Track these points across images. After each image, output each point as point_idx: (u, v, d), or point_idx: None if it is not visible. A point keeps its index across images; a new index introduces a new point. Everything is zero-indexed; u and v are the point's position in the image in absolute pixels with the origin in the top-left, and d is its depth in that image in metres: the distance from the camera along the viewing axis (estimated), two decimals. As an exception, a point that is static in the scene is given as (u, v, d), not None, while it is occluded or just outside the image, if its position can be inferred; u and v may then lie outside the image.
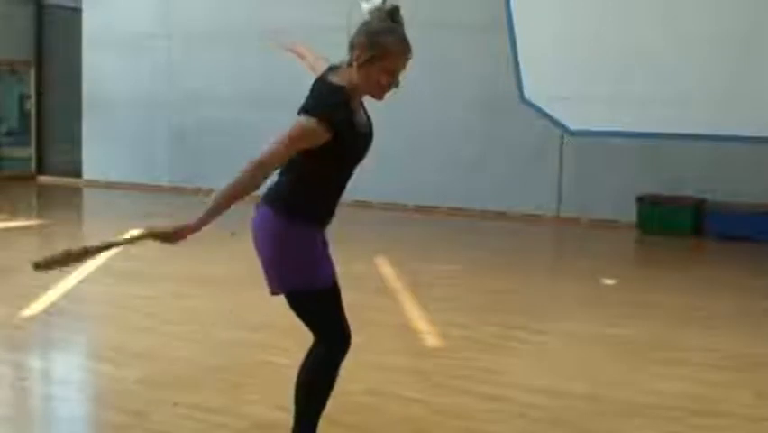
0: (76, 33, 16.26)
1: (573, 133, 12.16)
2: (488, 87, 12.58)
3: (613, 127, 11.87)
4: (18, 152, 17.60)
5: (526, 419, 4.30)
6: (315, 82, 3.31)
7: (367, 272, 7.99)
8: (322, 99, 3.18)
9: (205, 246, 9.56)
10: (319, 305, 3.35)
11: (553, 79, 12.17)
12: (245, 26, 13.97)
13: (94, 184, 16.03)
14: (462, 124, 12.84)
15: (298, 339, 3.54)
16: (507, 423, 4.25)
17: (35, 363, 5.39)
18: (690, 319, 6.67)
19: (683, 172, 11.42)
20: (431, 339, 5.81)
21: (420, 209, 13.08)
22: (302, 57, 3.88)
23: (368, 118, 3.35)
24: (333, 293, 3.39)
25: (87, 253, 3.21)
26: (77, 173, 16.47)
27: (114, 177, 15.84)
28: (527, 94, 12.41)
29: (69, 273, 7.66)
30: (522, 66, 12.41)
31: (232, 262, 8.39)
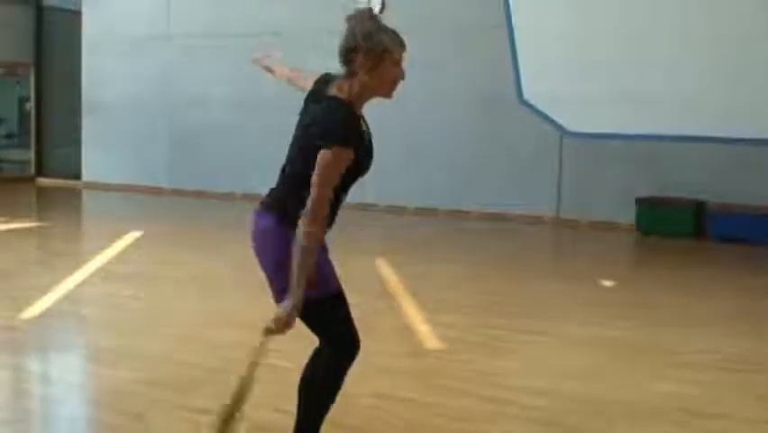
0: (75, 36, 16.27)
1: (572, 135, 12.17)
2: (487, 89, 12.59)
3: (612, 129, 11.88)
4: (17, 155, 17.62)
5: (526, 420, 4.29)
6: (314, 99, 3.26)
7: (367, 275, 7.98)
8: (332, 120, 3.11)
9: (205, 248, 9.58)
10: (326, 311, 3.31)
11: (552, 81, 12.18)
12: (245, 29, 13.97)
13: (93, 186, 16.03)
14: (462, 125, 12.85)
15: (299, 341, 3.53)
16: (507, 425, 4.24)
17: (34, 365, 5.38)
18: (690, 321, 6.66)
19: (683, 174, 11.43)
20: (431, 341, 5.80)
21: (420, 211, 13.08)
22: (276, 74, 3.86)
23: (368, 129, 3.32)
24: (339, 299, 3.35)
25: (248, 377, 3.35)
26: (77, 176, 16.47)
27: (113, 179, 15.85)
28: (526, 95, 12.42)
29: (68, 276, 7.67)
30: (521, 67, 12.42)
31: (231, 264, 8.39)
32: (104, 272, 8.03)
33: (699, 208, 11.19)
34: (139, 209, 13.68)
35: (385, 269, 8.42)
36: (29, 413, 4.40)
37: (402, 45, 3.21)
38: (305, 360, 3.47)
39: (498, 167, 12.64)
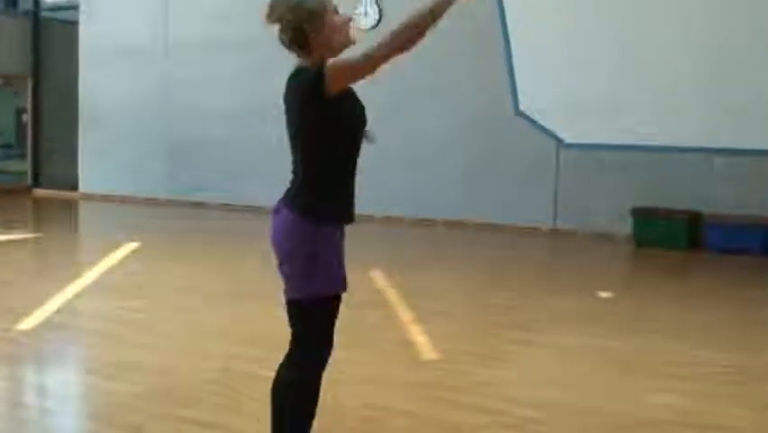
0: (73, 47, 16.29)
1: (569, 146, 12.20)
2: (484, 100, 12.64)
3: (608, 140, 11.91)
4: (14, 166, 17.62)
5: (523, 432, 4.29)
6: (293, 74, 3.25)
7: (364, 286, 7.98)
8: (313, 67, 3.12)
9: (203, 260, 9.58)
10: (320, 311, 3.25)
11: (549, 92, 12.22)
12: (242, 39, 14.00)
13: (90, 197, 16.03)
14: (459, 136, 12.87)
15: (284, 351, 3.52)
16: (504, 437, 4.25)
17: (31, 377, 5.37)
18: (687, 332, 6.67)
19: (678, 185, 11.46)
20: (427, 352, 5.80)
21: (417, 222, 13.10)
22: None
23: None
24: (337, 302, 3.30)
25: None
26: (74, 186, 16.47)
27: (110, 190, 15.86)
28: (523, 107, 12.45)
29: (65, 287, 7.67)
30: (517, 79, 12.46)
31: (230, 276, 8.40)
32: (101, 284, 8.03)
33: (694, 219, 11.22)
34: (136, 220, 13.68)
35: (382, 280, 8.43)
36: (26, 426, 4.39)
37: None
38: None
39: (495, 178, 12.67)
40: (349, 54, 3.08)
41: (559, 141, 12.27)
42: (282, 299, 3.29)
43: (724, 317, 7.30)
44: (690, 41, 11.34)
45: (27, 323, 6.34)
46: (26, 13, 17.66)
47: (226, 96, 14.59)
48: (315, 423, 3.35)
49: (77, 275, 8.38)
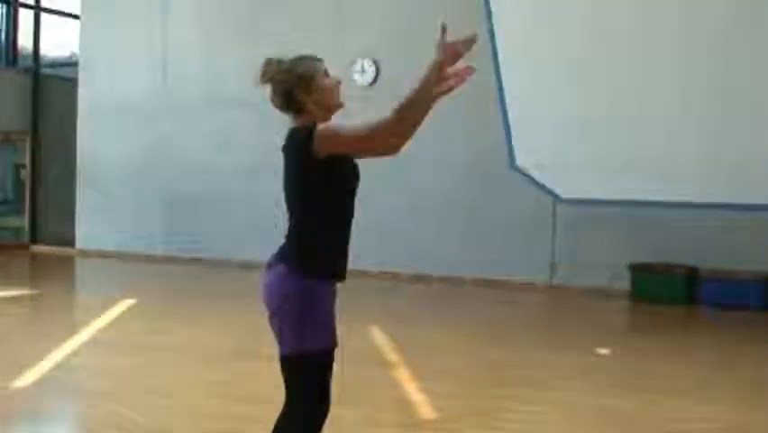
0: (72, 104, 16.41)
1: (566, 202, 12.24)
2: (480, 155, 12.71)
3: (605, 196, 11.96)
4: (12, 222, 17.61)
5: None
6: (287, 136, 3.32)
7: (362, 343, 7.95)
8: (305, 127, 3.22)
9: (200, 317, 9.54)
10: (313, 367, 3.27)
11: (545, 147, 12.29)
12: (239, 97, 14.11)
13: (87, 254, 16.00)
14: (455, 191, 12.93)
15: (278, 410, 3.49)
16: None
17: (26, 436, 5.32)
18: (688, 389, 6.63)
19: (675, 240, 11.48)
20: (426, 411, 5.76)
21: (415, 278, 13.08)
22: None
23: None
24: (330, 358, 3.32)
25: None
26: (71, 243, 16.46)
27: (107, 246, 15.84)
28: (519, 162, 12.52)
29: (61, 344, 7.62)
30: (513, 134, 12.54)
31: (228, 334, 8.35)
32: (98, 341, 7.99)
33: (692, 274, 11.22)
34: (133, 277, 13.65)
35: (380, 336, 8.39)
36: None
37: (320, 59, 3.37)
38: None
39: (491, 233, 12.69)
40: (349, 123, 3.14)
41: (555, 196, 12.32)
42: (279, 358, 3.29)
43: (725, 373, 7.27)
44: (689, 99, 11.42)
45: (23, 380, 6.29)
46: (26, 69, 17.81)
47: (224, 153, 14.65)
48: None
49: (74, 332, 8.34)
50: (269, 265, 3.32)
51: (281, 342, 3.27)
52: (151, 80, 15.53)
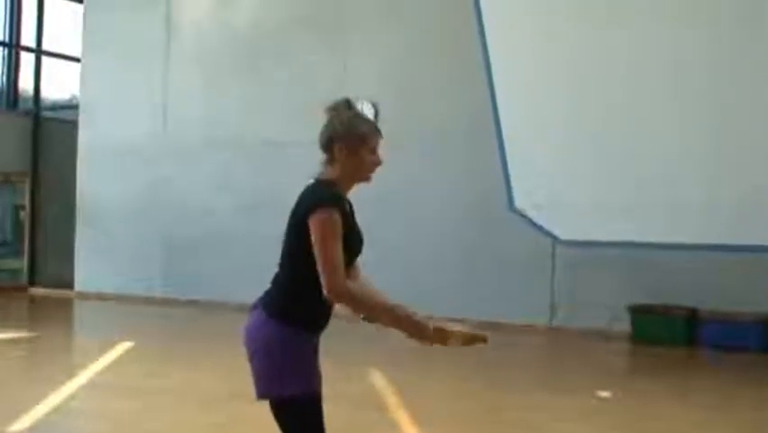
0: (72, 146, 16.47)
1: (565, 243, 12.24)
2: (478, 197, 12.72)
3: (604, 237, 11.96)
4: (11, 264, 17.59)
5: None
6: (306, 188, 3.31)
7: (361, 386, 7.91)
8: (315, 193, 3.21)
9: (198, 360, 9.50)
10: (301, 413, 3.25)
11: (544, 189, 12.31)
12: (239, 138, 14.19)
13: (86, 296, 15.96)
14: (453, 233, 12.93)
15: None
16: None
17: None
18: (688, 431, 6.60)
19: (675, 281, 11.45)
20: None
21: (413, 320, 13.02)
22: None
23: (353, 212, 3.36)
24: (317, 402, 3.29)
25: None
26: (70, 285, 16.43)
27: (106, 288, 15.79)
28: (518, 203, 12.54)
29: (59, 387, 7.58)
30: (511, 175, 12.57)
31: (224, 376, 8.30)
32: (96, 384, 7.94)
33: (692, 315, 11.18)
34: (132, 319, 13.60)
35: (378, 380, 8.34)
36: None
37: (378, 132, 3.34)
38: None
39: (490, 275, 12.66)
40: (339, 249, 3.13)
41: (555, 238, 12.32)
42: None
43: (725, 415, 7.23)
44: (687, 142, 11.47)
45: (20, 423, 6.25)
46: (27, 112, 17.92)
47: (223, 195, 14.67)
48: None
49: (71, 375, 8.29)
50: (254, 307, 3.35)
51: (256, 384, 3.29)
52: (152, 123, 15.60)
